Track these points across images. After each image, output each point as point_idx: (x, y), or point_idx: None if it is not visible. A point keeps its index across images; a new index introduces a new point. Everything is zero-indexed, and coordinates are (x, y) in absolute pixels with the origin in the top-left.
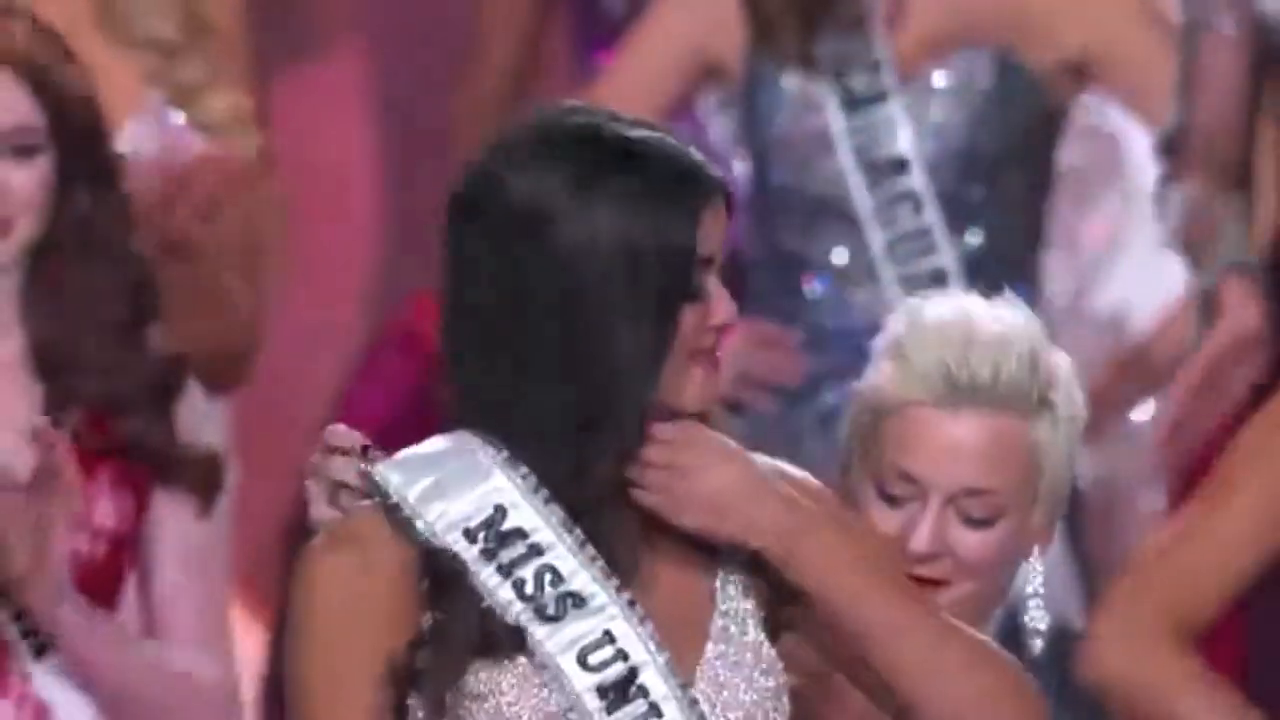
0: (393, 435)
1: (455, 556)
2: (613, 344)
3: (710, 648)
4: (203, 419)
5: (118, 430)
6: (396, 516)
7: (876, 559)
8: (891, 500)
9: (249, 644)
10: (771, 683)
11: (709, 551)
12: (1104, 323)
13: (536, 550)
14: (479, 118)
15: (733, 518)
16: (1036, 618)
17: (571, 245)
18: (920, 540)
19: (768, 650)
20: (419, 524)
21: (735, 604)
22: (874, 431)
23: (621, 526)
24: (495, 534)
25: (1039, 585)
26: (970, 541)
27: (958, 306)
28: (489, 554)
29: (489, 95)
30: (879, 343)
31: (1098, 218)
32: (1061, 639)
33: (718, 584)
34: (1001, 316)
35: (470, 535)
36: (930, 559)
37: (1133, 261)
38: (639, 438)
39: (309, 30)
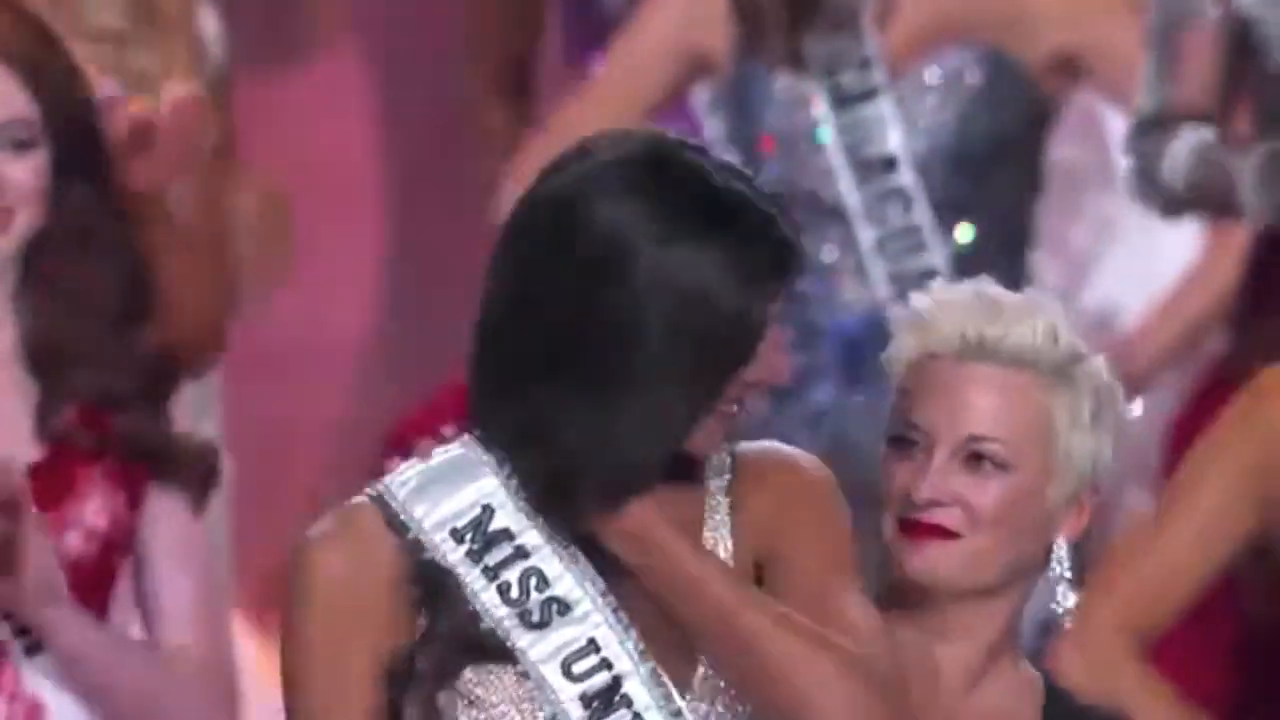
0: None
1: (444, 559)
2: (661, 394)
3: (704, 661)
4: (198, 415)
5: (112, 426)
6: (389, 513)
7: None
8: (901, 450)
9: (252, 653)
10: None
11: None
12: (1092, 320)
13: (523, 553)
14: (485, 120)
15: None
16: (1064, 601)
17: (647, 287)
18: (926, 486)
19: None
20: (407, 520)
21: None
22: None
23: None
24: (482, 534)
25: (1066, 570)
26: (977, 491)
27: (983, 284)
28: (475, 555)
29: (493, 99)
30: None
31: (1086, 216)
32: (1047, 633)
33: None
34: (1029, 295)
35: (458, 535)
36: (935, 506)
37: (1121, 259)
38: (654, 482)
39: (308, 28)
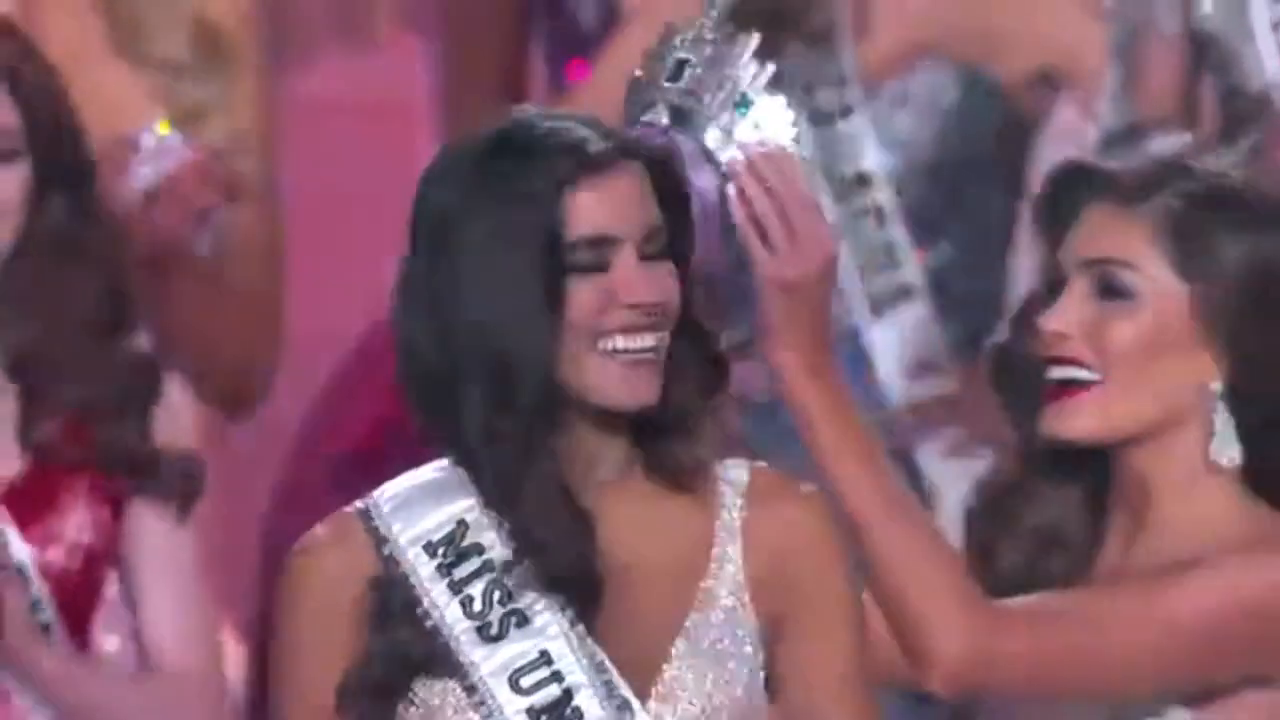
0: (374, 451)
1: (413, 572)
2: (501, 318)
3: (672, 665)
4: (178, 424)
5: (94, 437)
6: (371, 526)
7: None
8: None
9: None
10: (741, 694)
11: (698, 564)
12: None
13: (490, 566)
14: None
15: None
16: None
17: (461, 236)
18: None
19: (746, 670)
20: (386, 534)
21: (717, 618)
22: None
23: (576, 536)
24: (455, 549)
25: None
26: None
27: None
28: (445, 569)
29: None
30: None
31: None
32: None
33: (701, 596)
34: None
35: (430, 549)
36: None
37: None
38: (543, 415)
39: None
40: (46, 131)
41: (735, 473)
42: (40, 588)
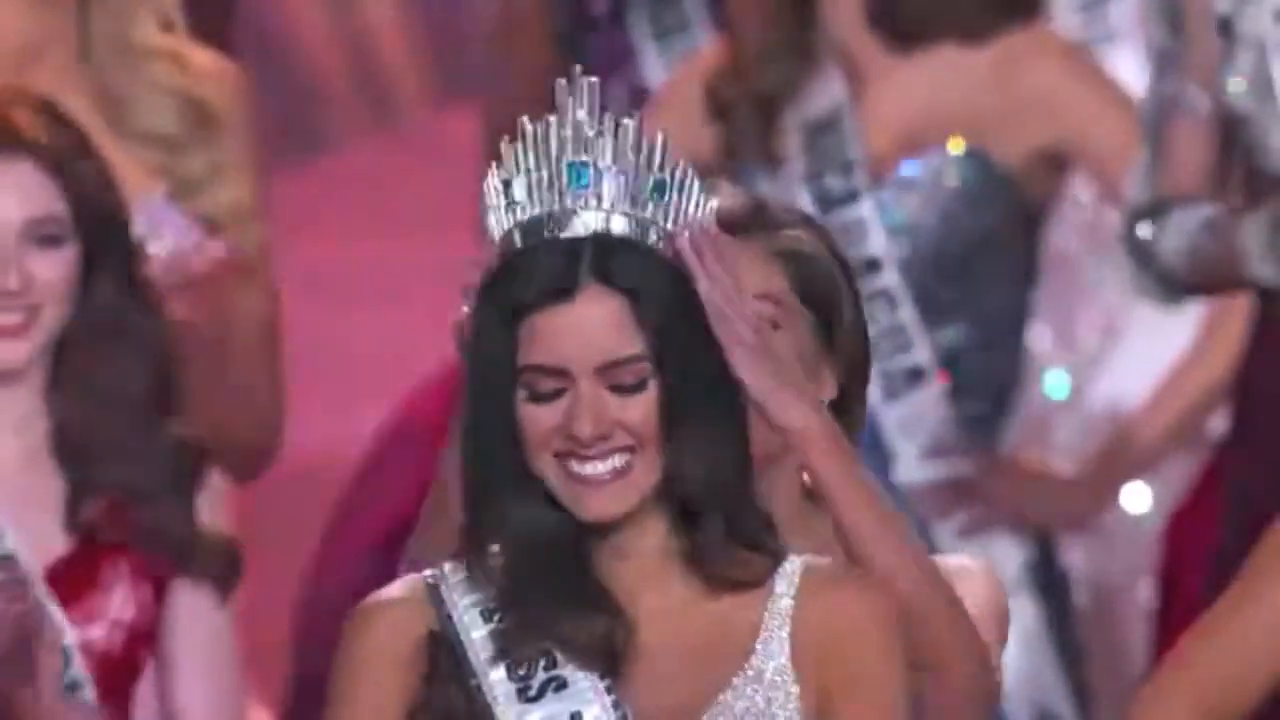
0: (406, 531)
1: (465, 634)
2: (476, 421)
3: None
4: (219, 508)
5: (138, 519)
6: (434, 589)
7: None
8: None
9: None
10: None
11: (743, 647)
12: (1100, 416)
13: (539, 634)
14: None
15: (786, 389)
16: None
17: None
18: None
19: None
20: (447, 597)
21: (759, 700)
22: None
23: (606, 615)
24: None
25: None
26: None
27: None
28: (497, 635)
29: None
30: None
31: (1093, 308)
32: None
33: (740, 678)
34: None
35: (487, 615)
36: None
37: (1130, 354)
38: (509, 513)
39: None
40: (93, 215)
41: (792, 564)
42: (81, 667)
